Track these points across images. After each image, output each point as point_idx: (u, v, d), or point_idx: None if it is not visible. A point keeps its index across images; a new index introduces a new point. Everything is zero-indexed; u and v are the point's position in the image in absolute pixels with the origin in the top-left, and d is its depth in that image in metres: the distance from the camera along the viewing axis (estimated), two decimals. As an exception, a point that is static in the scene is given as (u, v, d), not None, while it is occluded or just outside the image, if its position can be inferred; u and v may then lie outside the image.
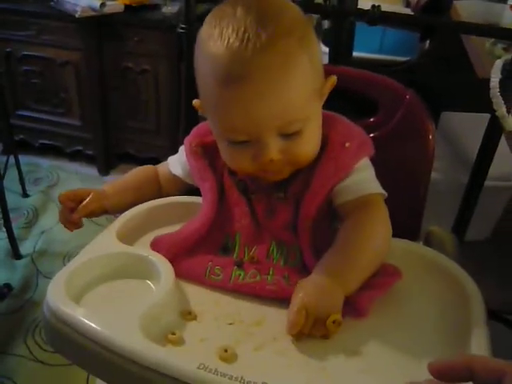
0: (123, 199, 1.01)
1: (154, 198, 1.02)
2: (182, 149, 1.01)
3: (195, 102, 0.91)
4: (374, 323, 0.78)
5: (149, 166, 1.09)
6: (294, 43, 0.79)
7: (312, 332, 0.74)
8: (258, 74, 0.77)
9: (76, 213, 0.97)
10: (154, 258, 0.84)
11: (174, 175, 1.04)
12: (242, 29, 0.77)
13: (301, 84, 0.80)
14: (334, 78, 0.90)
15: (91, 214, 0.99)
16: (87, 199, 0.98)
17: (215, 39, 0.79)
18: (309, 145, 0.85)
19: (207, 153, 0.95)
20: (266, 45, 0.76)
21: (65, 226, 0.99)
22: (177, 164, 1.04)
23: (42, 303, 0.77)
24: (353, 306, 0.79)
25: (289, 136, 0.82)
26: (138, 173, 1.07)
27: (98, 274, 0.83)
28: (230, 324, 0.77)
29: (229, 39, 0.77)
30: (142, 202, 0.99)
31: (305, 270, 0.84)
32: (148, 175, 1.06)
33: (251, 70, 0.76)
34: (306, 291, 0.76)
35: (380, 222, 0.86)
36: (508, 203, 1.87)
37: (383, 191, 0.90)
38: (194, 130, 1.01)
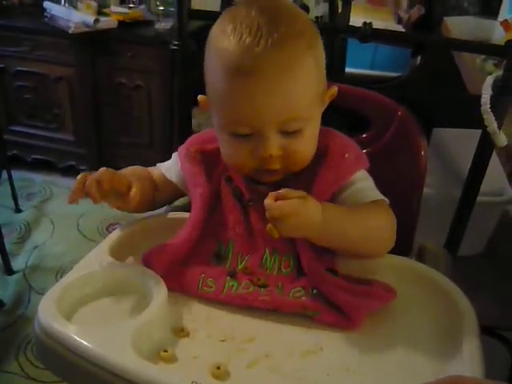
0: None
1: (151, 195, 0.99)
2: (175, 155, 1.01)
3: (200, 97, 0.92)
4: (367, 339, 0.78)
5: (139, 166, 1.03)
6: (304, 45, 0.82)
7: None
8: (267, 70, 0.79)
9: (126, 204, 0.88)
10: (145, 274, 0.84)
11: (169, 180, 1.01)
12: (256, 26, 0.80)
13: (306, 84, 0.83)
14: (334, 89, 0.93)
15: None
16: (136, 194, 0.87)
17: (228, 34, 0.81)
18: (307, 146, 0.88)
19: (205, 160, 0.96)
20: (277, 43, 0.79)
21: (74, 194, 0.83)
22: (170, 170, 1.02)
23: (34, 319, 0.76)
24: (347, 316, 0.79)
25: (289, 134, 0.84)
26: (133, 169, 0.99)
27: (89, 290, 0.83)
28: (223, 341, 0.77)
29: (242, 34, 0.80)
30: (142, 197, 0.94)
31: (298, 279, 0.84)
32: (143, 172, 1.01)
33: (261, 65, 0.79)
34: (300, 206, 0.77)
35: (388, 226, 0.89)
36: (500, 218, 1.87)
37: (386, 198, 0.92)
38: (194, 137, 1.02)
